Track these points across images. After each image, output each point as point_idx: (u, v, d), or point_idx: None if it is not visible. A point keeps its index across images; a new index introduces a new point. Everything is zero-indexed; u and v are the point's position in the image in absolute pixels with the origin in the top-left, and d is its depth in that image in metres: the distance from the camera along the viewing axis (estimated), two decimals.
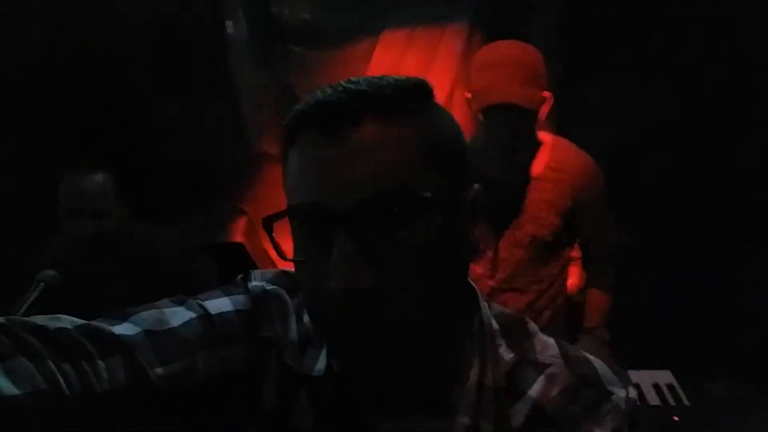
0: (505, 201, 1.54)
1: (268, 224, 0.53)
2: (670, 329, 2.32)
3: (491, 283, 1.59)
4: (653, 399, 1.59)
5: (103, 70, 2.88)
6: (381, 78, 0.52)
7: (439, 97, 0.58)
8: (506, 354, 0.60)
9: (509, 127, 1.43)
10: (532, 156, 1.54)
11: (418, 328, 0.50)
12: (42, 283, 1.67)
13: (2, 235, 2.30)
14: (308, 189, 0.50)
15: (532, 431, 0.57)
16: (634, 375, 1.70)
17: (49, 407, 0.44)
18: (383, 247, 0.48)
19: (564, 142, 1.60)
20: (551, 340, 0.63)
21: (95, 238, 1.66)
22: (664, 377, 1.68)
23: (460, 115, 2.82)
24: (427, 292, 0.51)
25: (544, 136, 1.56)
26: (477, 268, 1.60)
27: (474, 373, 0.58)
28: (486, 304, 0.63)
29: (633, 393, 0.60)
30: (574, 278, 1.88)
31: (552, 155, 1.53)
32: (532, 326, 0.64)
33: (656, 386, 1.64)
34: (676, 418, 1.49)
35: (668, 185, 2.71)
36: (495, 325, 0.62)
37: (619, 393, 0.59)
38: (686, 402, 1.56)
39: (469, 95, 1.45)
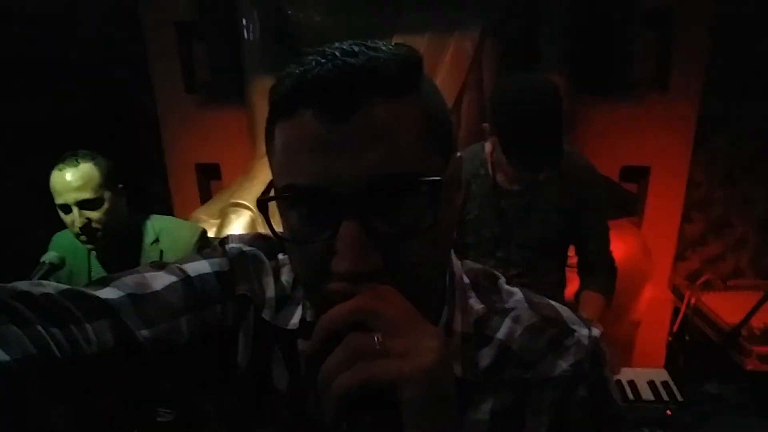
0: (516, 206, 1.59)
1: (263, 205, 0.51)
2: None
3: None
4: (647, 395, 1.59)
5: (114, 65, 2.94)
6: (376, 49, 0.48)
7: (448, 100, 0.55)
8: (476, 304, 0.62)
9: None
10: None
11: (418, 301, 0.49)
12: (47, 263, 1.72)
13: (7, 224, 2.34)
14: (310, 170, 0.47)
15: (499, 370, 0.59)
16: (630, 372, 1.69)
17: (40, 372, 0.44)
18: (390, 229, 0.47)
19: (566, 148, 1.62)
20: (516, 289, 0.65)
21: None
22: (659, 375, 1.68)
23: (468, 119, 2.79)
24: (431, 269, 0.52)
25: None
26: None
27: (442, 318, 0.59)
28: (457, 260, 0.64)
29: (596, 332, 0.61)
30: (572, 286, 1.85)
31: None
32: (501, 280, 0.66)
33: (651, 383, 1.64)
34: (669, 412, 1.48)
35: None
36: (466, 279, 0.63)
37: (582, 331, 0.61)
38: (680, 398, 1.55)
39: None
